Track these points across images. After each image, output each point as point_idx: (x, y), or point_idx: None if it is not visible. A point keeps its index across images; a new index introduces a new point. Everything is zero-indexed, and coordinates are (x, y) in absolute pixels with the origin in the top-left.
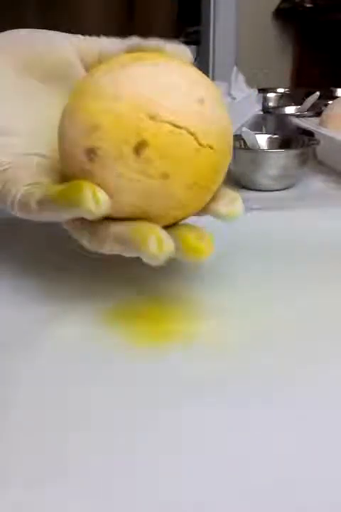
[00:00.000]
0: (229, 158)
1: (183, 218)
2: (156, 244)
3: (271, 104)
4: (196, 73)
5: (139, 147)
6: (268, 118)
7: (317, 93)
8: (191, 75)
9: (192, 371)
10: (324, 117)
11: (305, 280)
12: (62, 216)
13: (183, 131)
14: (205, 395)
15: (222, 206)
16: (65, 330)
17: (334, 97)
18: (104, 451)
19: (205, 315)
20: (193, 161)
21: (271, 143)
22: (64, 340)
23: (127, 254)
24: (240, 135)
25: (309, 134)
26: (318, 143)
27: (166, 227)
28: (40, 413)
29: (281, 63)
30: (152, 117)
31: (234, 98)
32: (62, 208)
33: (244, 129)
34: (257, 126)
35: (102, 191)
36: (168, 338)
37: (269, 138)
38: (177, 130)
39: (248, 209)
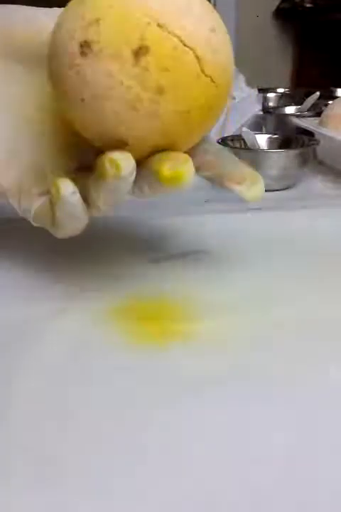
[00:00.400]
0: (225, 102)
1: (162, 150)
2: (112, 165)
3: (271, 104)
4: (210, 5)
5: (139, 51)
6: (268, 118)
7: (317, 93)
8: (206, 4)
9: (192, 371)
10: (324, 117)
11: (305, 280)
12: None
13: (189, 51)
14: (205, 394)
15: (244, 188)
16: (64, 329)
17: (334, 97)
18: (104, 451)
19: (205, 315)
20: (192, 85)
21: (271, 143)
22: (63, 339)
23: (109, 197)
24: (240, 135)
25: (309, 134)
26: (318, 143)
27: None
28: (40, 413)
29: (281, 63)
30: (160, 25)
31: (234, 98)
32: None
33: (244, 129)
34: (257, 126)
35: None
36: (167, 337)
37: (269, 138)
38: (183, 48)
39: (248, 209)
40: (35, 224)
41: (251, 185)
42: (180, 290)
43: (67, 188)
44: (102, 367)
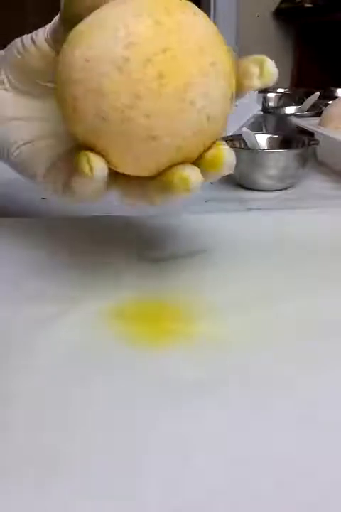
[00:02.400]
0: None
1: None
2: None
3: (271, 104)
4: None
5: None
6: (268, 118)
7: (317, 93)
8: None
9: (192, 371)
10: (324, 117)
11: (305, 280)
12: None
13: None
14: (205, 395)
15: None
16: (64, 330)
17: (334, 97)
18: (104, 451)
19: (205, 315)
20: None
21: (271, 143)
22: (64, 340)
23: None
24: (240, 135)
25: (309, 134)
26: (318, 143)
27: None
28: (40, 413)
29: (281, 63)
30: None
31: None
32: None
33: (244, 129)
34: (257, 126)
35: (97, 159)
36: (168, 338)
37: (269, 138)
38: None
39: (248, 209)
40: (45, 189)
41: (261, 71)
42: (180, 290)
43: (100, 166)
44: (102, 368)
